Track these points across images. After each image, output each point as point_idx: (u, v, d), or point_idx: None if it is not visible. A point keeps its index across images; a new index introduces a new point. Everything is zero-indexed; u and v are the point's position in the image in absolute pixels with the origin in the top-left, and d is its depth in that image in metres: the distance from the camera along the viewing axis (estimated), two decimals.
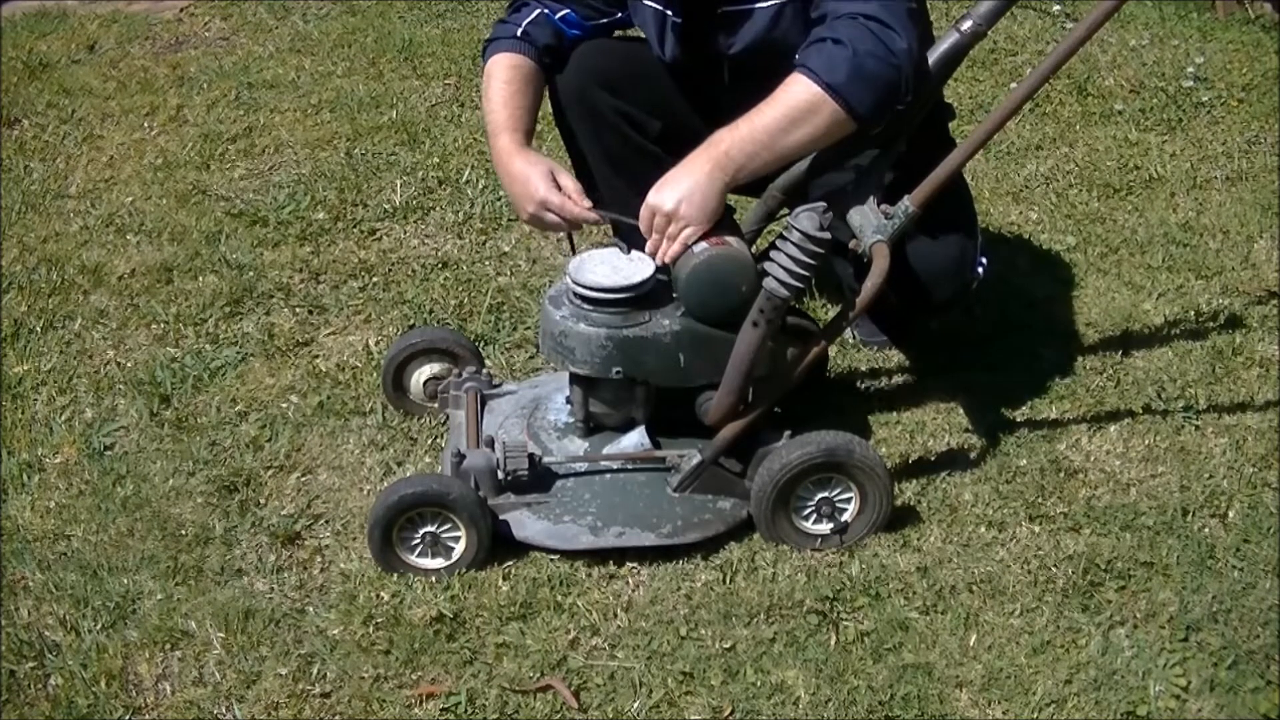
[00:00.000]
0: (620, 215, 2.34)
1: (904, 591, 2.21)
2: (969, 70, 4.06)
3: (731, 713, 2.02)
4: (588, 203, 2.35)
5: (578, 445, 2.36)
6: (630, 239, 2.33)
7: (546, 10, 2.49)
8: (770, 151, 2.16)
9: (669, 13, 2.41)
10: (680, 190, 2.18)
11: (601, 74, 2.50)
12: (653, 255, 2.25)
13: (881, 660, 2.08)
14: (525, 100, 2.46)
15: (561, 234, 2.51)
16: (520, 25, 2.48)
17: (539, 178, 2.35)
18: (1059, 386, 2.70)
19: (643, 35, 2.52)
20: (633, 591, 2.23)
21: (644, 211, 2.21)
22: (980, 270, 2.56)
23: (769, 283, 2.15)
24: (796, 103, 2.13)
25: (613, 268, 2.29)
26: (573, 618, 2.17)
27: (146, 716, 2.03)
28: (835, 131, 2.15)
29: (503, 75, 2.46)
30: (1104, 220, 3.32)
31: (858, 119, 2.13)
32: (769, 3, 2.31)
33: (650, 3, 2.43)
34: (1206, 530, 2.33)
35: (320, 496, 2.45)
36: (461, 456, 2.28)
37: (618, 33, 2.60)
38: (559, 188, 2.35)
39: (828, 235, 2.14)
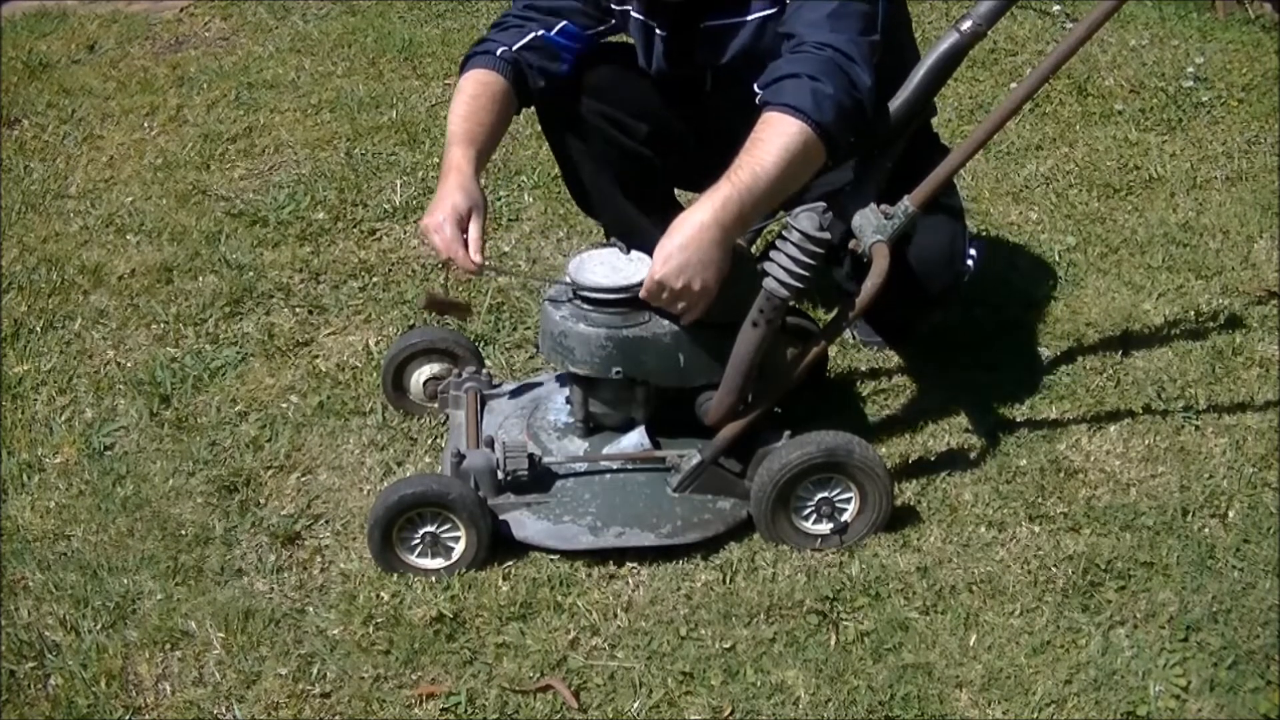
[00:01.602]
0: (513, 270, 2.23)
1: (904, 591, 2.21)
2: (969, 70, 4.06)
3: (731, 713, 2.02)
4: (477, 259, 2.24)
5: (578, 445, 2.36)
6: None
7: (543, 31, 2.44)
8: (771, 196, 2.13)
9: (654, 26, 2.41)
10: (687, 265, 2.11)
11: (587, 79, 2.50)
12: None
13: (881, 660, 2.08)
14: (486, 118, 2.37)
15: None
16: (509, 45, 2.42)
17: (449, 210, 2.24)
18: (1059, 386, 2.70)
19: (629, 41, 2.53)
20: (633, 591, 2.23)
21: (651, 286, 2.14)
22: (971, 262, 2.56)
23: (769, 283, 2.15)
24: (790, 143, 2.09)
25: (612, 268, 2.29)
26: (573, 618, 2.17)
27: (146, 716, 2.03)
28: (815, 167, 2.16)
29: (470, 90, 2.39)
30: (1104, 220, 3.32)
31: (833, 155, 2.15)
32: (751, 17, 2.31)
33: (637, 15, 2.43)
34: (1206, 530, 2.33)
35: (320, 496, 2.45)
36: (461, 456, 2.28)
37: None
38: (465, 227, 2.25)
39: (828, 235, 2.14)
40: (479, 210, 2.27)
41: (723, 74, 2.41)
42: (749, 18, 2.31)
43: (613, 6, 2.46)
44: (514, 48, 2.42)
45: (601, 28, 2.51)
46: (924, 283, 2.45)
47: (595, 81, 2.50)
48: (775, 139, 2.10)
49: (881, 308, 2.21)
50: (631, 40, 2.52)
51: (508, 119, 2.45)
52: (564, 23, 2.45)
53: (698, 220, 2.10)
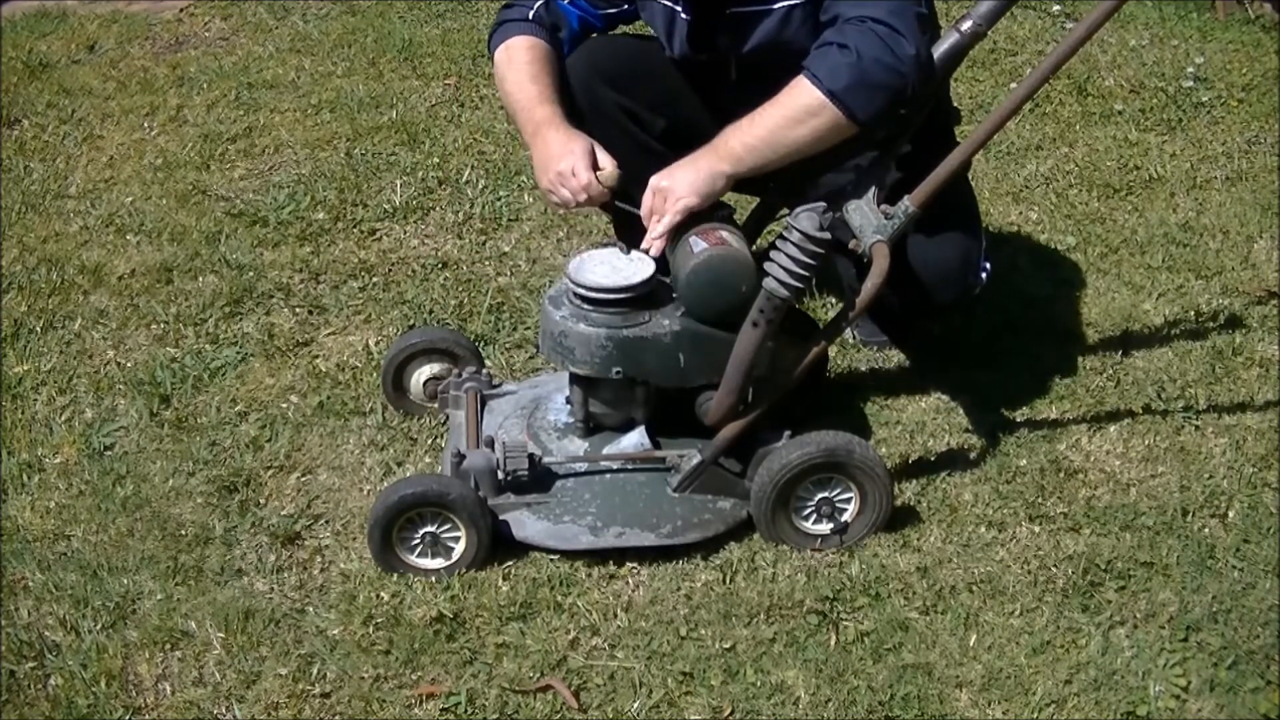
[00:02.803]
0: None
1: (904, 591, 2.21)
2: (969, 70, 4.06)
3: (731, 713, 2.02)
4: (617, 170, 2.31)
5: (578, 445, 2.36)
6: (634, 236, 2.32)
7: None
8: (772, 149, 2.19)
9: (678, 9, 2.41)
10: (677, 170, 2.22)
11: (606, 69, 2.51)
12: (647, 249, 2.26)
13: (881, 660, 2.08)
14: (551, 79, 2.43)
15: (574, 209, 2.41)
16: (531, 8, 2.48)
17: (580, 152, 2.30)
18: (1059, 386, 2.70)
19: (652, 32, 2.53)
20: (633, 591, 2.23)
21: (645, 195, 2.24)
22: (984, 276, 2.56)
23: (769, 283, 2.15)
24: (799, 105, 2.16)
25: (612, 268, 2.29)
26: (573, 618, 2.17)
27: (146, 716, 2.03)
28: (837, 134, 2.18)
29: (524, 56, 2.44)
30: (1104, 220, 3.32)
31: (859, 124, 2.16)
32: (778, 5, 2.31)
33: (661, 0, 2.43)
34: (1206, 530, 2.33)
35: (320, 496, 2.45)
36: (461, 456, 2.28)
37: (624, 29, 2.60)
38: (595, 168, 2.31)
39: (828, 235, 2.14)
40: (597, 146, 2.33)
41: (747, 64, 2.41)
42: (776, 5, 2.31)
43: None
44: (534, 8, 2.48)
45: (614, 10, 2.52)
46: (932, 294, 2.46)
47: (615, 72, 2.51)
48: (785, 98, 2.18)
49: (886, 312, 2.22)
50: (652, 30, 2.52)
51: (563, 76, 2.48)
52: None
53: (695, 153, 2.23)
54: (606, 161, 2.33)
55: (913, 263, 2.38)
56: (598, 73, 2.51)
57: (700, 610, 2.18)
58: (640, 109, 2.52)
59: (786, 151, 2.21)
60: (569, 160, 2.29)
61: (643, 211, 2.26)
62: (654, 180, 2.24)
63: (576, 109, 2.54)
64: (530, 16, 2.48)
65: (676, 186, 2.22)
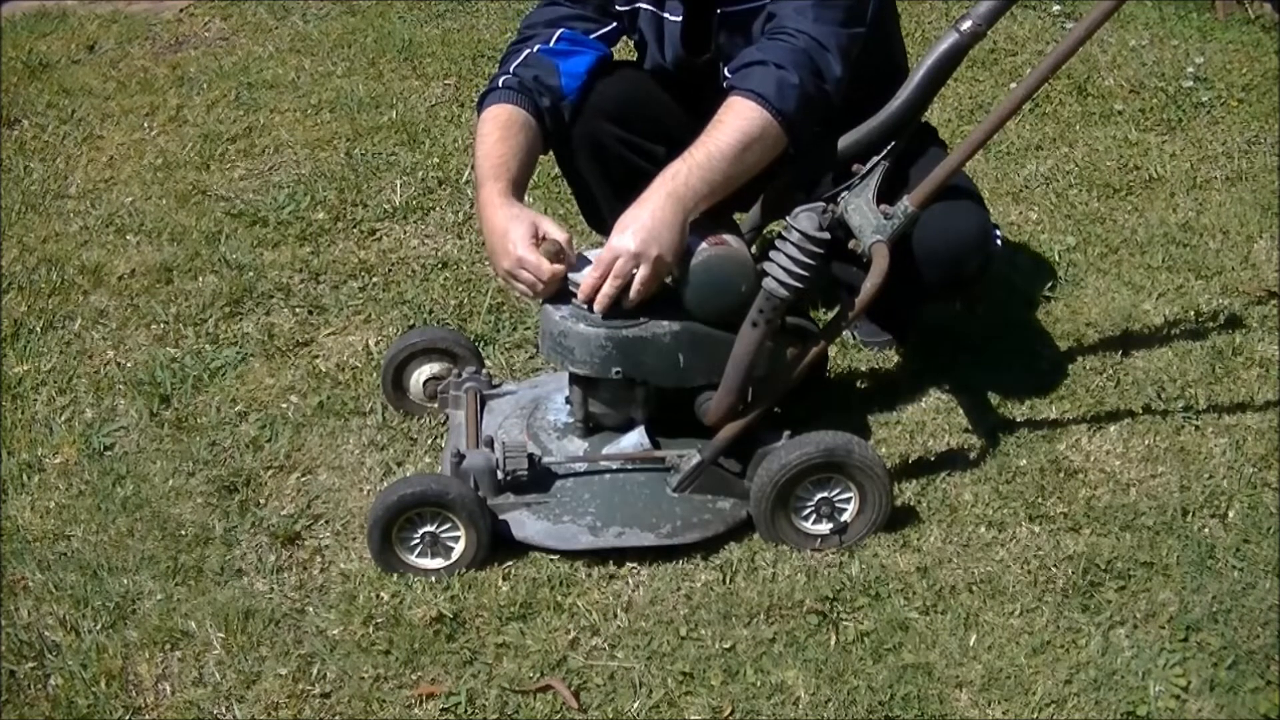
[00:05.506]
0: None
1: (904, 591, 2.21)
2: (969, 70, 4.06)
3: (731, 713, 2.02)
4: (573, 259, 2.22)
5: (577, 445, 2.36)
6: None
7: (539, 45, 2.41)
8: (726, 178, 2.15)
9: (667, 15, 2.40)
10: (642, 231, 2.12)
11: (605, 104, 2.46)
12: (589, 298, 2.18)
13: (881, 660, 2.09)
14: (510, 146, 2.33)
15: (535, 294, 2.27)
16: (508, 71, 2.39)
17: (519, 235, 2.21)
18: (1059, 386, 2.70)
19: (634, 58, 2.50)
20: (633, 591, 2.23)
21: (605, 253, 2.14)
22: (998, 242, 2.54)
23: (768, 283, 2.15)
24: (749, 128, 2.13)
25: None
26: (573, 618, 2.17)
27: (146, 716, 2.03)
28: (774, 155, 2.18)
29: (486, 128, 2.35)
30: (1104, 220, 3.32)
31: (794, 144, 2.17)
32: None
33: (647, 6, 2.42)
34: (1206, 530, 2.33)
35: (320, 496, 2.45)
36: (461, 456, 2.28)
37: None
38: (540, 242, 2.22)
39: (827, 235, 2.14)
40: (539, 222, 2.24)
41: None
42: (760, 1, 2.28)
43: (618, 8, 2.45)
44: (511, 70, 2.39)
45: (603, 30, 2.47)
46: (958, 265, 2.43)
47: (612, 107, 2.46)
48: (734, 122, 2.14)
49: (891, 306, 2.20)
50: (637, 52, 2.50)
51: (532, 144, 2.39)
52: (560, 30, 2.42)
53: (650, 195, 2.13)
54: (553, 229, 2.22)
55: (932, 242, 2.33)
56: (596, 108, 2.45)
57: (700, 610, 2.18)
58: (640, 140, 2.49)
59: (738, 179, 2.18)
60: (510, 246, 2.21)
61: (597, 271, 2.16)
62: (616, 241, 2.13)
63: (576, 146, 2.50)
64: (502, 83, 2.38)
65: (651, 252, 2.12)
